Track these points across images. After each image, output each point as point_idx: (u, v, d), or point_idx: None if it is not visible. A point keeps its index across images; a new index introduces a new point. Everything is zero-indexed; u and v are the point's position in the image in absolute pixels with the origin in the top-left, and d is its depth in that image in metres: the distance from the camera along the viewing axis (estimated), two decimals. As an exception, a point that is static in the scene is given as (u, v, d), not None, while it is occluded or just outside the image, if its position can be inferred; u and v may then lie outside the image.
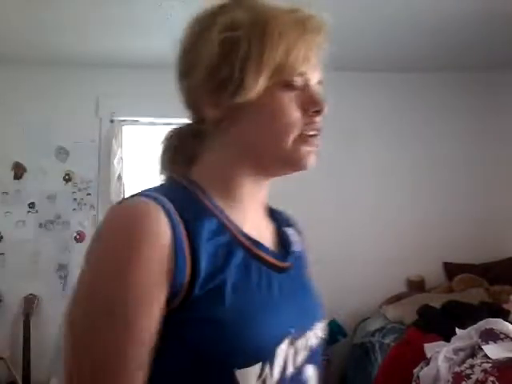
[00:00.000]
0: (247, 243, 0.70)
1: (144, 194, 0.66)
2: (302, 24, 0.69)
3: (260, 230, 0.77)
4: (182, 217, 0.64)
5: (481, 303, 2.72)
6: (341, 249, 3.42)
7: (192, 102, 0.75)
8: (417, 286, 3.43)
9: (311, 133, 0.72)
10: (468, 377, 1.79)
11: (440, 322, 2.52)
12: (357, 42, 3.11)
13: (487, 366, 1.79)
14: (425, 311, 2.72)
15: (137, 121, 3.53)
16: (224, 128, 0.72)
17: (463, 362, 1.91)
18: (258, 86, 0.68)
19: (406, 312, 2.93)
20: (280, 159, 0.72)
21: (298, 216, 0.94)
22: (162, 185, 0.75)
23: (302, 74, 0.70)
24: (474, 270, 3.36)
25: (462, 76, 3.59)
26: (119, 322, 0.59)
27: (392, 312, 3.05)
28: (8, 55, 3.31)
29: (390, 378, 2.30)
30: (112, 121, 3.48)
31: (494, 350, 1.86)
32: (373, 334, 2.96)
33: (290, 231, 0.85)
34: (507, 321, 2.12)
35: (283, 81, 0.69)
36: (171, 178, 0.76)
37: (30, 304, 3.28)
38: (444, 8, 2.63)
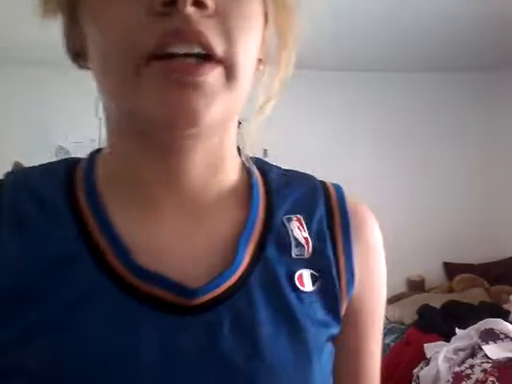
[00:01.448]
0: (121, 269, 0.41)
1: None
2: None
3: (184, 236, 0.45)
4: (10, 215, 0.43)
5: (481, 303, 2.72)
6: (341, 249, 3.42)
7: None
8: (417, 286, 3.43)
9: (170, 50, 0.37)
10: (468, 377, 1.79)
11: (440, 321, 2.52)
12: (357, 43, 3.11)
13: (487, 365, 1.79)
14: (425, 311, 2.72)
15: (137, 121, 3.53)
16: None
17: (463, 362, 1.91)
18: None
19: (405, 312, 2.93)
20: (121, 107, 0.42)
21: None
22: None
23: None
24: (473, 270, 3.36)
25: (461, 76, 3.58)
26: None
27: (392, 312, 3.05)
28: (8, 55, 3.31)
29: (390, 377, 2.30)
30: (112, 121, 3.48)
31: (494, 350, 1.86)
32: (373, 334, 2.96)
33: (293, 224, 0.48)
34: (507, 321, 2.12)
35: None
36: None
37: (29, 304, 3.28)
38: (444, 8, 2.63)
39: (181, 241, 0.44)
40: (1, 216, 0.43)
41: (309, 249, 0.47)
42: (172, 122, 0.38)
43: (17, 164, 3.44)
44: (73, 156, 0.48)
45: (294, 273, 0.45)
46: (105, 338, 0.39)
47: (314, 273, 0.46)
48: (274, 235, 0.46)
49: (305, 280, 0.46)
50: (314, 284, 0.46)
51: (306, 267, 0.46)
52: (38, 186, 0.45)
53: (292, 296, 0.44)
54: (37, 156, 3.41)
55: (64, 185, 0.45)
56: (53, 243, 0.42)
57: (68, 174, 0.46)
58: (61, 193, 0.44)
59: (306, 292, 0.45)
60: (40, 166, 0.48)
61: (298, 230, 0.47)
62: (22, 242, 0.42)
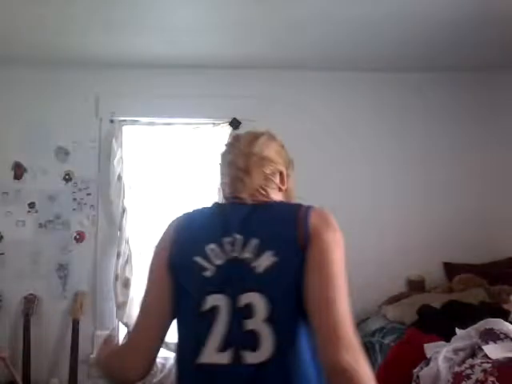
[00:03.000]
0: None
1: None
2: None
3: None
4: None
5: (481, 303, 2.72)
6: (341, 249, 3.42)
7: (282, 181, 1.32)
8: (417, 285, 3.43)
9: None
10: (468, 377, 1.79)
11: (440, 322, 2.52)
12: (355, 43, 3.11)
13: (487, 366, 1.79)
14: (425, 311, 2.72)
15: (137, 121, 3.53)
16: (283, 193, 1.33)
17: (463, 361, 1.91)
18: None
19: (405, 312, 2.92)
20: None
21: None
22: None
23: None
24: (474, 269, 3.35)
25: (461, 76, 3.58)
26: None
27: (392, 312, 3.05)
28: (8, 55, 3.31)
29: (390, 378, 2.30)
30: (112, 121, 3.47)
31: (494, 350, 1.86)
32: (373, 334, 2.96)
33: None
34: (507, 321, 2.12)
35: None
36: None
37: (29, 304, 3.27)
38: (443, 8, 2.63)
39: None
40: None
41: None
42: None
43: (17, 164, 3.44)
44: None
45: None
46: None
47: None
48: None
49: None
50: None
51: None
52: None
53: None
54: (37, 156, 3.43)
55: None
56: None
57: None
58: None
59: None
60: None
61: None
62: None
